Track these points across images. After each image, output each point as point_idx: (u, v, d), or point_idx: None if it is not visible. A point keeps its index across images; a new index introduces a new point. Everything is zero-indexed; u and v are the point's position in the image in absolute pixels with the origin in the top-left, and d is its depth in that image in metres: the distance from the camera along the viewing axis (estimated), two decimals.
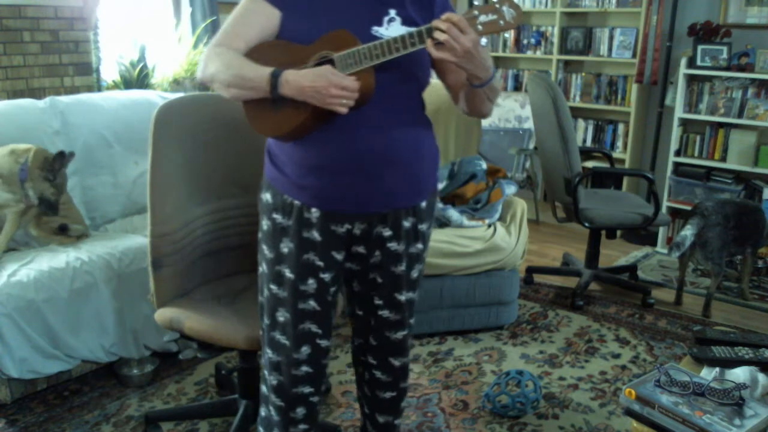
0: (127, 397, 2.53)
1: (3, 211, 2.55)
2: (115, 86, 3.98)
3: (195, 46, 4.28)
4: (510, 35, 5.18)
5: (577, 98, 4.93)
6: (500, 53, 5.26)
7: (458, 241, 2.93)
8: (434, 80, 1.68)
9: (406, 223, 1.66)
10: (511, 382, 2.48)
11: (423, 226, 1.70)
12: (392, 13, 1.55)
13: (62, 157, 2.62)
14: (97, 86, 3.84)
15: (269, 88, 1.48)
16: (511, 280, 3.06)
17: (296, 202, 1.60)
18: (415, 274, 1.74)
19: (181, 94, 2.02)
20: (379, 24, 1.53)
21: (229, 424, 2.32)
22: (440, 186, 3.19)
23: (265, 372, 1.76)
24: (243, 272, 2.30)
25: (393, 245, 1.66)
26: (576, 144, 3.35)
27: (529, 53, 5.13)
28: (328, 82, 1.42)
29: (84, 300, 2.45)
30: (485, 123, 4.99)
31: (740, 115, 3.98)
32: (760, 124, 3.91)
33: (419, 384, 2.65)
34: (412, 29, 1.43)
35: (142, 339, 2.61)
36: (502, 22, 1.39)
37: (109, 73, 4.03)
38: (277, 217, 1.63)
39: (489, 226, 3.05)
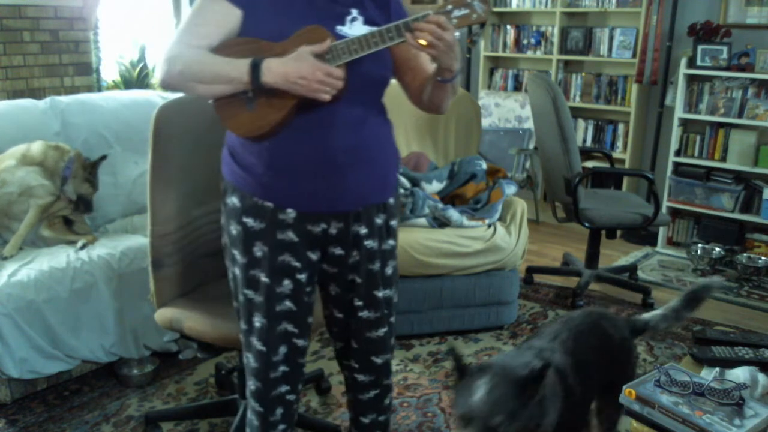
0: (127, 397, 2.53)
1: (29, 200, 2.57)
2: (115, 86, 3.98)
3: None
4: (510, 35, 5.17)
5: (577, 98, 4.92)
6: (500, 53, 5.26)
7: (458, 241, 2.93)
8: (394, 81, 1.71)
9: (378, 220, 1.67)
10: None
11: (393, 223, 1.72)
12: (354, 12, 1.57)
13: (102, 160, 2.79)
14: (97, 86, 3.85)
15: (250, 79, 1.44)
16: (511, 280, 3.06)
17: (268, 204, 1.58)
18: (389, 270, 1.73)
19: (181, 94, 2.02)
20: (342, 23, 1.55)
21: (229, 424, 2.32)
22: (440, 186, 3.20)
23: (246, 375, 1.74)
24: None
25: (369, 243, 1.66)
26: (576, 144, 3.34)
27: (529, 53, 5.13)
28: (314, 68, 1.41)
29: (84, 300, 2.45)
30: (485, 123, 5.00)
31: (740, 115, 3.98)
32: (760, 124, 3.90)
33: (419, 384, 2.65)
34: (390, 24, 1.45)
35: (142, 339, 2.61)
36: (474, 15, 1.46)
37: (109, 73, 4.03)
38: (248, 220, 1.60)
39: (489, 226, 3.05)
